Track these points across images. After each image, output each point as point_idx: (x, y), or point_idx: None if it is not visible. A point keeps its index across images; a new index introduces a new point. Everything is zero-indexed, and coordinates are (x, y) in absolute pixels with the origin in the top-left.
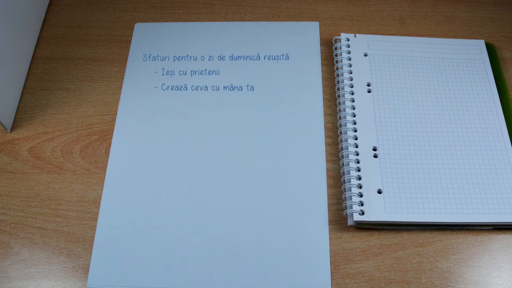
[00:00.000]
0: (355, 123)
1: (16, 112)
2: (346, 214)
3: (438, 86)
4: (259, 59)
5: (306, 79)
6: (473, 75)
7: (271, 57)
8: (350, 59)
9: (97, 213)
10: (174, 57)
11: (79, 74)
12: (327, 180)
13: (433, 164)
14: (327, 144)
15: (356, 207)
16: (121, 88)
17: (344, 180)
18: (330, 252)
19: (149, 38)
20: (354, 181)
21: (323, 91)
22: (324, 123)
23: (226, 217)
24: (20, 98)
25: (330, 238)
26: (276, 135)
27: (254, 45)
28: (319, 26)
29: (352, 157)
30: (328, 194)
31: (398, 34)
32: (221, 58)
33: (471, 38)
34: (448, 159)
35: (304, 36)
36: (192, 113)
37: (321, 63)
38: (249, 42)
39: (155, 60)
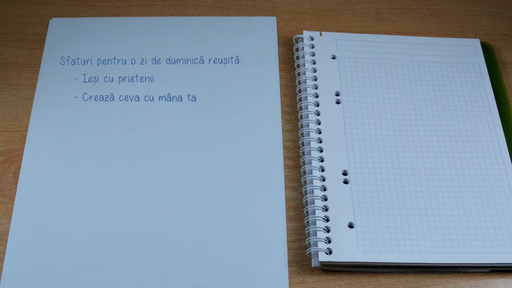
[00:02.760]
0: (320, 141)
1: None
2: (310, 253)
3: (422, 97)
4: (203, 62)
5: (261, 87)
6: (465, 83)
7: (217, 60)
8: (314, 63)
9: (4, 252)
10: (98, 60)
11: None
12: (286, 212)
13: (416, 191)
14: (286, 167)
15: (322, 245)
16: (33, 98)
17: (307, 212)
18: None
19: (67, 37)
20: (320, 213)
21: (281, 102)
22: (283, 142)
23: (161, 262)
24: None
25: (290, 283)
26: (223, 157)
27: (197, 46)
28: (277, 22)
29: (317, 183)
30: (287, 228)
31: (374, 32)
32: (156, 61)
33: (464, 37)
34: (435, 185)
35: (258, 35)
36: (121, 128)
37: (279, 67)
38: (190, 42)
39: (74, 63)
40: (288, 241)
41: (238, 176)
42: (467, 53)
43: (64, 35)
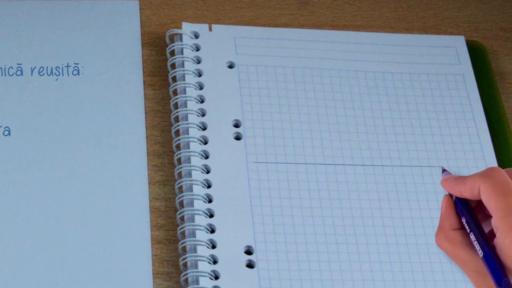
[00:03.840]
0: (210, 201)
1: None
2: None
3: (372, 129)
4: (22, 74)
5: (112, 112)
6: (442, 106)
7: (44, 71)
8: (200, 75)
9: None
10: None
11: None
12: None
13: (362, 275)
14: (155, 242)
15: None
16: None
17: None
18: None
19: None
20: None
21: (146, 138)
22: (150, 200)
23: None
24: None
25: None
26: (49, 224)
27: (14, 49)
28: (140, 9)
29: (205, 266)
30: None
31: (296, 25)
32: None
33: (440, 33)
34: (391, 268)
35: (109, 29)
36: None
37: (143, 82)
38: (4, 42)
39: None
40: None
41: (78, 264)
42: (446, 59)
43: None
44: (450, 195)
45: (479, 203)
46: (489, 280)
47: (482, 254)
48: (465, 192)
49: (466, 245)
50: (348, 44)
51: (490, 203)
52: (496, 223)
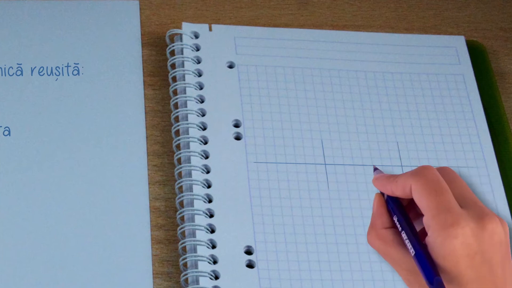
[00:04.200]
0: (210, 201)
1: None
2: None
3: (373, 129)
4: (22, 74)
5: (112, 112)
6: (442, 106)
7: (45, 71)
8: (200, 75)
9: None
10: None
11: None
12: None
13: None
14: (155, 242)
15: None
16: None
17: None
18: None
19: None
20: None
21: (146, 138)
22: (150, 200)
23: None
24: None
25: None
26: (52, 223)
27: (14, 49)
28: (140, 9)
29: (205, 266)
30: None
31: (296, 25)
32: None
33: (440, 33)
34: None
35: (111, 29)
36: None
37: (143, 82)
38: (4, 42)
39: None
40: None
41: (81, 260)
42: (446, 59)
43: None
44: (382, 194)
45: (411, 201)
46: (420, 279)
47: (414, 252)
48: (397, 190)
49: (398, 244)
50: (348, 44)
51: (421, 202)
52: (428, 221)
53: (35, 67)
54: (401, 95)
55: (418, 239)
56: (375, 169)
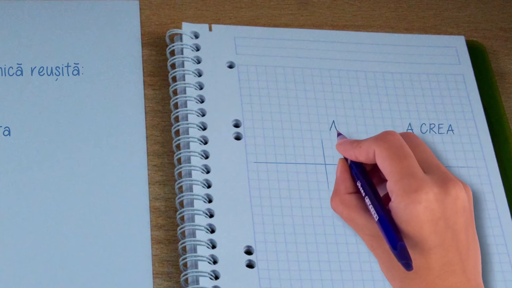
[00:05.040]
0: (210, 201)
1: None
2: None
3: (372, 129)
4: (22, 74)
5: (112, 112)
6: (442, 106)
7: (44, 71)
8: (200, 75)
9: None
10: None
11: None
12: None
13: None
14: (155, 242)
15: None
16: None
17: None
18: None
19: None
20: None
21: (146, 138)
22: (150, 200)
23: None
24: None
25: None
26: (51, 225)
27: (14, 49)
28: (140, 9)
29: (205, 266)
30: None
31: (296, 25)
32: None
33: (441, 33)
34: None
35: (111, 29)
36: None
37: (143, 82)
38: (4, 42)
39: None
40: None
41: (76, 262)
42: (446, 59)
43: None
44: (346, 159)
45: (374, 167)
46: (384, 244)
47: (377, 218)
48: (360, 155)
49: (361, 209)
50: (348, 44)
51: (385, 167)
52: (391, 186)
53: (35, 67)
54: (401, 95)
55: (382, 204)
56: (339, 134)
